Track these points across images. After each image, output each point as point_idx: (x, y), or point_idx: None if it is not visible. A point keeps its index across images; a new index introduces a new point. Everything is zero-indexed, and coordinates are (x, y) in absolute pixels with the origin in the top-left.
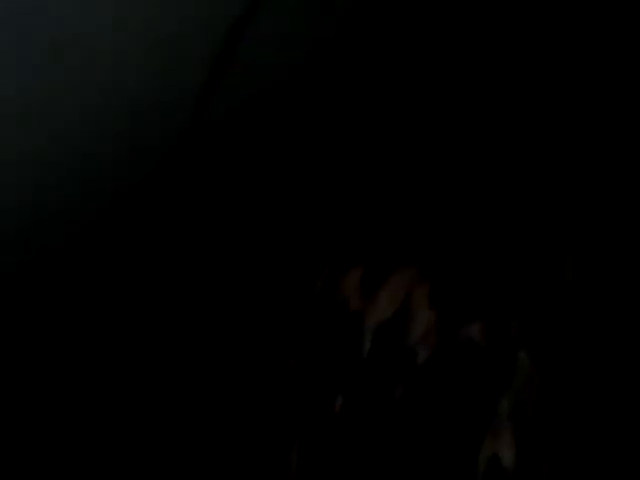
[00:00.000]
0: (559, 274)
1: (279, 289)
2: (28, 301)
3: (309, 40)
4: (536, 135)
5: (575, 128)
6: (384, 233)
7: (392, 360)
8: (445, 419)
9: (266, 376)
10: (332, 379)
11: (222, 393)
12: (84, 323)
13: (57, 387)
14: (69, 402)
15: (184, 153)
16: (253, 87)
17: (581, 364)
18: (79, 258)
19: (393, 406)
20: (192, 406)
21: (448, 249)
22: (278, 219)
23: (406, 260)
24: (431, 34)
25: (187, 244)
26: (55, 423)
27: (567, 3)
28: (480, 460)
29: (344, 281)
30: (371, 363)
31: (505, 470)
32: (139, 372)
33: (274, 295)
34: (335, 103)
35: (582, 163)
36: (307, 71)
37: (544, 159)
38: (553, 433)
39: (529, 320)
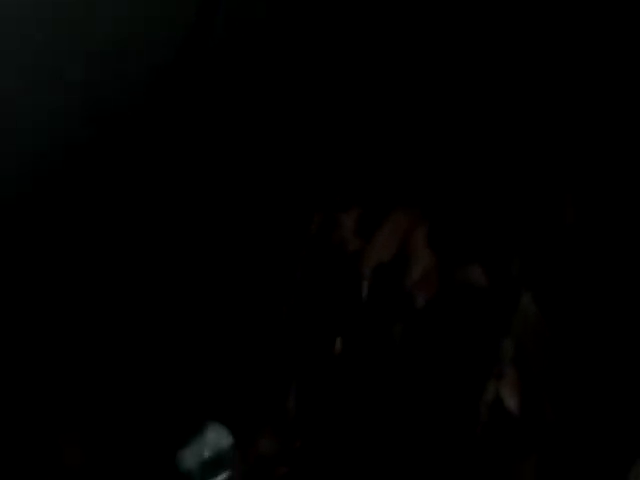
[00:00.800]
0: (559, 212)
1: (274, 231)
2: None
3: None
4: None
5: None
6: (381, 174)
7: (391, 302)
8: (446, 362)
9: (264, 320)
10: (331, 321)
11: (222, 337)
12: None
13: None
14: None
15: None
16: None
17: (585, 304)
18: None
19: (392, 348)
20: (192, 350)
21: (446, 190)
22: (272, 158)
23: (404, 201)
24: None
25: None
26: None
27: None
28: (482, 404)
29: (341, 222)
30: (370, 305)
31: (509, 414)
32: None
33: (269, 237)
34: (337, 42)
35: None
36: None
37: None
38: (558, 376)
39: (531, 260)
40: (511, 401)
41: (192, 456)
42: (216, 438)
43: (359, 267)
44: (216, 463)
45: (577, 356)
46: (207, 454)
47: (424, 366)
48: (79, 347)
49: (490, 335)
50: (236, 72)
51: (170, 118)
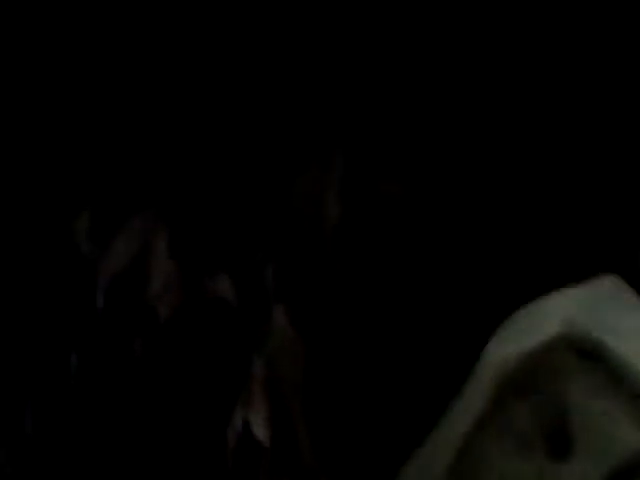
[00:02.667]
0: (318, 219)
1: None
2: None
3: None
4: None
5: None
6: (117, 174)
7: (129, 315)
8: (191, 382)
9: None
10: (65, 335)
11: None
12: None
13: None
14: None
15: None
16: None
17: (341, 320)
18: None
19: (131, 365)
20: None
21: (188, 192)
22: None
23: (143, 205)
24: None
25: None
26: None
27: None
28: (230, 432)
29: (74, 228)
30: (106, 318)
31: (258, 444)
32: None
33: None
34: None
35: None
36: None
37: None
38: (312, 400)
39: (285, 272)
40: (260, 431)
41: None
42: None
43: (94, 277)
44: None
45: (334, 376)
46: None
47: (167, 385)
48: None
49: (239, 353)
50: None
51: None
